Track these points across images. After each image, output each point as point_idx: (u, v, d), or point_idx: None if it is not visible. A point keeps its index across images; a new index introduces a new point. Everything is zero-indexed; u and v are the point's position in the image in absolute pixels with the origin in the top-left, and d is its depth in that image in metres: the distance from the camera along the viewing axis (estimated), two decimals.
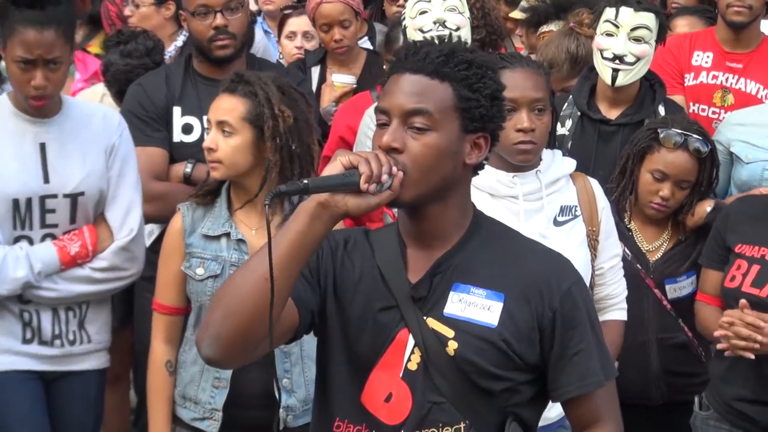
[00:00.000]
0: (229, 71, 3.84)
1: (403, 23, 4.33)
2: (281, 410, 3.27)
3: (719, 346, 3.35)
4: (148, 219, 4.06)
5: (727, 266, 3.48)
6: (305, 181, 2.11)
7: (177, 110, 4.05)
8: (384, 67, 4.47)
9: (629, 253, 3.82)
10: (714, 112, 4.76)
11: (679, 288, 3.82)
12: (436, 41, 2.29)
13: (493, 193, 3.28)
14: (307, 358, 3.28)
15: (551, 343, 2.29)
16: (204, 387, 3.32)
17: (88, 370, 3.69)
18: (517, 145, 3.21)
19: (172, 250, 3.37)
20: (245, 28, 4.11)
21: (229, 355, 2.19)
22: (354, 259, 2.32)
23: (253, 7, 6.06)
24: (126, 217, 3.63)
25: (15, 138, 3.52)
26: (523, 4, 5.58)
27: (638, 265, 3.83)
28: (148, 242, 4.17)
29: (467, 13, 4.32)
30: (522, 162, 3.26)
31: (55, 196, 3.53)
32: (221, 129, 3.28)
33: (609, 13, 4.18)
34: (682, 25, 5.23)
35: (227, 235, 3.31)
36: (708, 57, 4.82)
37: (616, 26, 4.16)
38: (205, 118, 3.78)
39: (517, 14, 5.63)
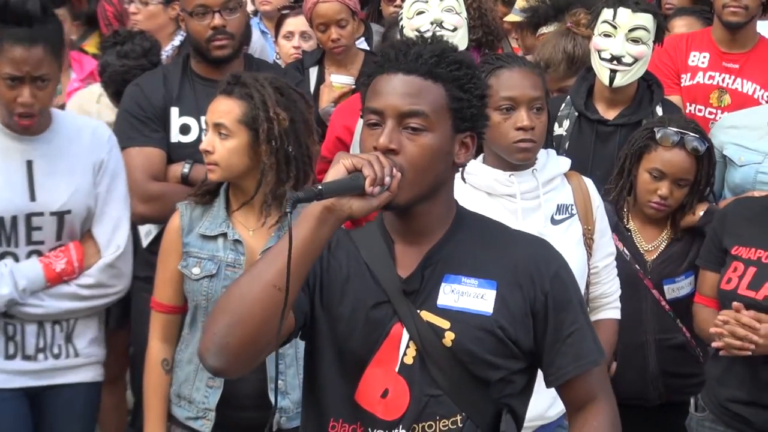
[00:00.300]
0: (227, 72, 3.84)
1: (400, 23, 4.33)
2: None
3: (714, 344, 3.34)
4: (145, 219, 4.07)
5: (723, 268, 3.48)
6: (319, 187, 2.11)
7: (174, 111, 4.04)
8: None
9: (628, 254, 3.83)
10: (710, 113, 4.77)
11: (677, 288, 3.83)
12: (419, 41, 2.30)
13: (491, 192, 3.29)
14: (301, 359, 3.28)
15: (545, 326, 2.31)
16: (198, 386, 3.32)
17: (76, 383, 3.63)
18: (518, 143, 3.22)
19: (171, 249, 3.37)
20: (243, 28, 4.11)
21: (235, 365, 2.18)
22: (339, 259, 2.32)
23: (249, 7, 6.05)
24: (113, 234, 3.60)
25: (1, 155, 3.48)
26: (518, 6, 5.58)
27: (636, 266, 3.83)
28: (145, 243, 4.18)
29: (464, 14, 4.32)
30: (521, 160, 3.26)
31: (41, 213, 3.50)
32: (218, 131, 3.28)
33: (607, 14, 4.18)
34: (680, 26, 5.24)
35: (224, 235, 3.31)
36: (704, 57, 4.83)
37: (614, 27, 4.16)
38: (203, 118, 3.79)
39: (512, 17, 5.63)
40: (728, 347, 3.30)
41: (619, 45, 4.13)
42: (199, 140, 3.91)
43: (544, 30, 5.09)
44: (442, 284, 2.29)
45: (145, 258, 4.09)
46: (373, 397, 2.28)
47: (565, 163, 3.45)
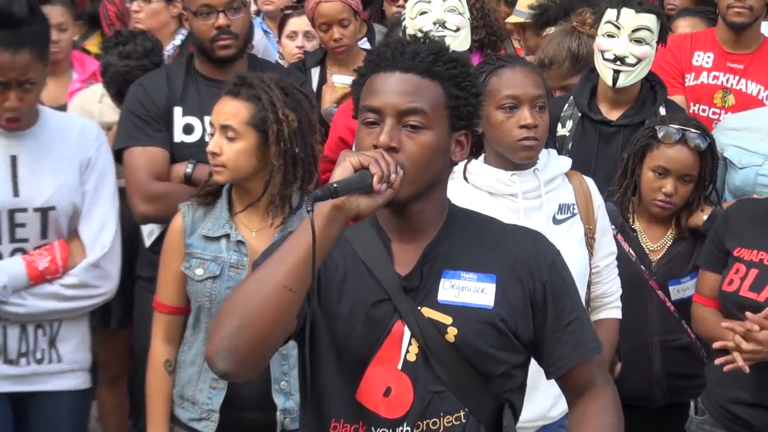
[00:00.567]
0: (230, 71, 3.83)
1: (403, 24, 4.33)
2: (279, 413, 3.27)
3: (717, 360, 3.32)
4: (148, 219, 4.07)
5: (725, 270, 3.47)
6: (335, 185, 2.10)
7: (178, 110, 4.03)
8: None
9: (633, 254, 3.82)
10: (714, 113, 4.76)
11: (682, 289, 3.82)
12: (414, 40, 2.31)
13: (493, 191, 3.29)
14: None
15: (544, 316, 2.33)
16: (202, 388, 3.31)
17: (60, 390, 3.56)
18: (521, 141, 3.22)
19: (173, 250, 3.37)
20: (248, 28, 4.10)
21: (244, 368, 2.16)
22: (336, 258, 2.31)
23: (252, 7, 6.05)
24: (99, 233, 3.55)
25: None
26: (521, 8, 5.57)
27: (642, 267, 3.82)
28: (148, 242, 4.18)
29: (467, 14, 4.31)
30: (525, 159, 3.26)
31: (24, 209, 3.44)
32: (225, 133, 3.27)
33: (610, 14, 4.18)
34: (684, 26, 5.24)
35: (227, 236, 3.31)
36: (709, 57, 4.83)
37: (618, 27, 4.16)
38: (206, 118, 3.79)
39: (514, 18, 5.63)
40: (735, 360, 3.27)
41: (622, 45, 4.13)
42: (202, 140, 3.91)
43: (550, 29, 5.08)
44: (442, 280, 2.30)
45: (147, 258, 4.10)
46: (375, 396, 2.28)
47: (566, 162, 3.45)
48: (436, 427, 2.28)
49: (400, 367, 2.27)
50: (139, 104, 4.03)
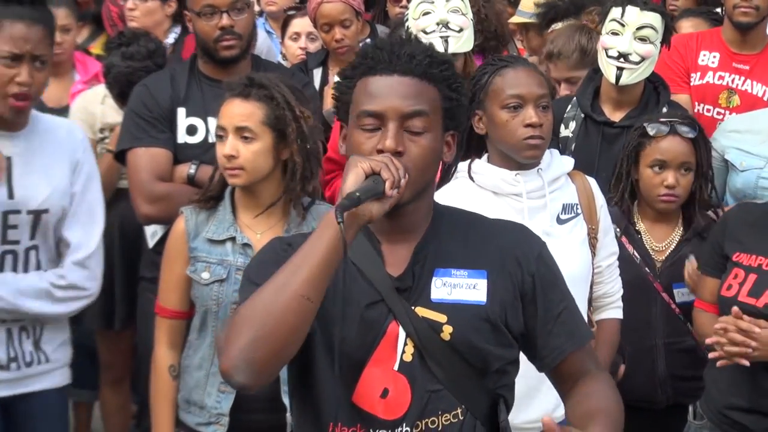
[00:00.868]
0: (234, 72, 3.85)
1: (406, 24, 4.33)
2: (288, 415, 3.26)
3: (711, 354, 3.31)
4: (151, 220, 4.06)
5: (724, 274, 3.45)
6: (358, 194, 2.11)
7: (181, 111, 4.02)
8: None
9: (638, 256, 3.81)
10: (719, 113, 4.76)
11: (687, 293, 3.79)
12: (401, 41, 2.30)
13: (497, 191, 3.28)
14: None
15: (534, 307, 2.34)
16: (210, 392, 3.30)
17: (47, 389, 3.54)
18: (527, 140, 3.22)
19: (176, 254, 3.35)
20: (251, 28, 4.09)
21: (262, 378, 2.15)
22: None
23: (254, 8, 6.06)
24: (86, 235, 3.52)
25: None
26: (524, 8, 5.57)
27: (646, 269, 3.82)
28: (151, 243, 4.18)
29: (470, 15, 4.31)
30: (530, 158, 3.26)
31: (18, 211, 3.41)
32: (240, 135, 3.25)
33: (615, 12, 4.18)
34: (687, 27, 5.23)
35: (232, 239, 3.29)
36: (714, 57, 4.82)
37: (622, 25, 4.16)
38: (210, 119, 3.78)
39: (516, 19, 5.63)
40: (727, 354, 3.27)
41: (626, 43, 4.13)
42: (205, 141, 3.91)
43: (556, 25, 5.08)
44: (434, 278, 2.30)
45: (151, 258, 4.09)
46: (372, 398, 2.27)
47: (569, 162, 3.45)
48: (435, 425, 2.28)
49: (396, 367, 2.27)
50: (143, 105, 4.02)
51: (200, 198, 3.38)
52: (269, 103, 3.25)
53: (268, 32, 6.35)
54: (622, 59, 4.13)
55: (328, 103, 4.75)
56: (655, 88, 4.31)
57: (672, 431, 3.85)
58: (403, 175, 2.16)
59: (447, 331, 2.27)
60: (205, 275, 3.29)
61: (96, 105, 4.86)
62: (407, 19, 4.33)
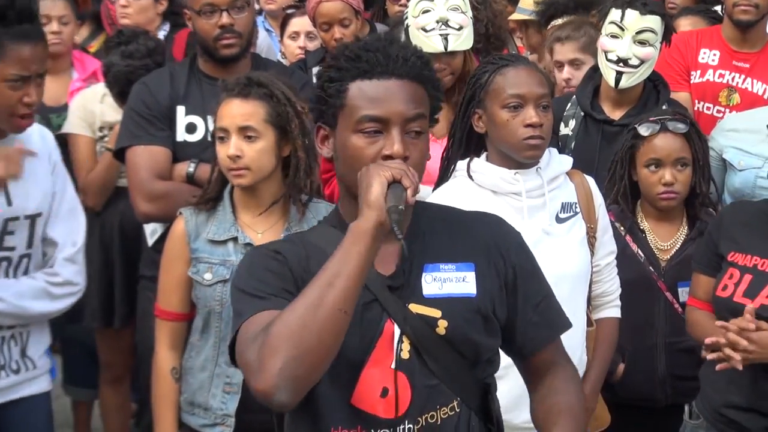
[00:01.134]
0: (234, 71, 3.84)
1: (406, 22, 4.32)
2: None
3: (710, 356, 3.29)
4: (150, 218, 4.06)
5: (719, 274, 3.44)
6: (401, 207, 2.13)
7: (181, 109, 4.01)
8: None
9: (642, 256, 3.81)
10: (719, 111, 4.74)
11: None
12: (386, 42, 2.30)
13: (496, 190, 3.28)
14: None
15: (515, 297, 2.38)
16: (215, 393, 3.29)
17: (33, 395, 3.53)
18: (527, 140, 3.21)
19: (176, 255, 3.34)
20: (251, 27, 4.09)
21: (301, 395, 2.13)
22: (313, 268, 2.26)
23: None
24: (71, 231, 3.52)
25: None
26: (524, 5, 5.56)
27: (650, 268, 3.81)
28: (150, 241, 4.17)
29: (470, 13, 4.30)
30: (530, 158, 3.26)
31: (17, 218, 3.41)
32: (244, 135, 3.24)
33: (614, 14, 4.16)
34: (685, 25, 5.22)
35: (234, 239, 3.29)
36: (715, 55, 4.82)
37: (622, 29, 4.14)
38: (209, 117, 3.77)
39: (516, 16, 5.62)
40: (728, 357, 3.26)
41: (625, 47, 4.12)
42: (205, 139, 3.90)
43: (556, 22, 5.08)
44: (423, 274, 2.31)
45: (150, 257, 4.08)
46: (372, 398, 2.27)
47: (568, 161, 3.45)
48: (434, 420, 2.29)
49: (394, 366, 2.28)
50: (142, 103, 4.02)
51: (199, 201, 3.36)
52: (269, 100, 3.25)
53: (267, 30, 6.35)
54: (621, 64, 4.13)
55: None
56: (655, 86, 4.30)
57: (671, 431, 3.85)
58: (417, 180, 2.19)
59: (442, 325, 2.29)
60: (208, 276, 3.28)
61: (95, 103, 4.86)
62: (406, 18, 4.32)
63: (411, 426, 2.27)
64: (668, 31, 4.23)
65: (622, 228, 3.82)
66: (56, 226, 3.50)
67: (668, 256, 3.84)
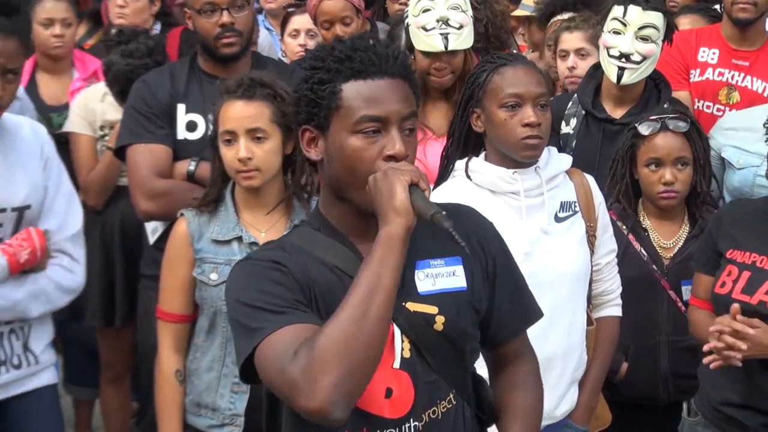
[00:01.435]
0: (234, 69, 3.84)
1: (406, 21, 4.32)
2: None
3: (706, 360, 3.29)
4: (150, 216, 4.05)
5: (718, 272, 3.43)
6: (443, 212, 2.16)
7: (181, 107, 4.01)
8: None
9: (645, 254, 3.80)
10: (719, 109, 4.75)
11: None
12: (366, 42, 2.30)
13: (494, 189, 3.27)
14: None
15: (493, 287, 2.42)
16: (222, 393, 3.28)
17: (38, 388, 3.51)
18: (525, 140, 3.20)
19: (179, 257, 3.32)
20: (251, 25, 4.08)
21: (351, 409, 2.12)
22: (311, 274, 2.26)
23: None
24: (62, 227, 3.48)
25: None
26: (526, 1, 5.56)
27: (654, 266, 3.80)
28: (152, 239, 4.16)
29: (470, 12, 4.30)
30: (528, 158, 3.25)
31: (3, 210, 3.37)
32: (253, 136, 3.24)
33: (617, 11, 4.17)
34: (685, 24, 5.23)
35: (239, 238, 3.28)
36: (714, 53, 4.82)
37: (624, 24, 4.15)
38: (209, 116, 3.77)
39: (519, 12, 5.62)
40: (724, 358, 3.26)
41: (628, 42, 4.12)
42: (205, 137, 3.89)
43: (557, 18, 5.08)
44: (416, 272, 2.32)
45: (151, 256, 4.07)
46: (377, 399, 2.27)
47: (567, 160, 3.44)
48: (435, 415, 2.31)
49: (397, 365, 2.28)
50: (142, 101, 4.01)
51: (201, 203, 3.35)
52: (273, 100, 3.25)
53: (267, 29, 6.35)
54: (623, 59, 4.13)
55: None
56: (656, 85, 4.30)
57: (672, 429, 3.85)
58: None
59: (440, 321, 2.30)
60: (213, 276, 3.27)
61: (96, 102, 4.86)
62: (407, 16, 4.32)
63: (416, 424, 2.28)
64: (670, 29, 4.23)
65: (624, 227, 3.82)
66: (47, 221, 3.47)
67: (671, 255, 3.84)
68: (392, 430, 2.27)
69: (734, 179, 4.17)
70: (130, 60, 4.65)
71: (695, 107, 4.73)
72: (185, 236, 3.31)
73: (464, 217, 2.42)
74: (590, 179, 3.48)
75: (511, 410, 2.44)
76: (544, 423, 3.25)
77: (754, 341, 3.19)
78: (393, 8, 6.00)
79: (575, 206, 3.38)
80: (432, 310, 2.30)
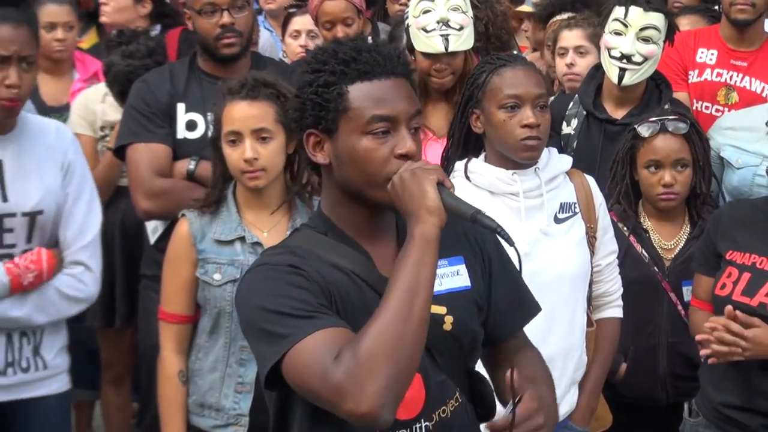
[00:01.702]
0: (234, 70, 3.85)
1: (406, 22, 4.32)
2: None
3: (703, 352, 3.30)
4: (150, 216, 4.05)
5: (718, 273, 3.43)
6: (483, 212, 2.17)
7: (181, 107, 4.01)
8: None
9: (646, 256, 3.80)
10: (718, 110, 4.74)
11: None
12: (374, 43, 2.31)
13: (493, 190, 3.27)
14: None
15: (491, 283, 2.42)
16: (226, 393, 3.28)
17: (46, 395, 3.52)
18: (524, 141, 3.20)
19: (181, 258, 3.32)
20: (251, 26, 4.09)
21: (397, 410, 2.11)
22: (327, 278, 2.25)
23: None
24: (79, 236, 3.49)
25: None
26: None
27: (655, 268, 3.80)
28: (152, 239, 4.16)
29: (470, 12, 4.30)
30: (527, 159, 3.24)
31: (14, 215, 3.38)
32: (258, 137, 3.24)
33: (618, 11, 4.17)
34: (685, 24, 5.21)
35: (241, 238, 3.28)
36: (712, 54, 4.82)
37: (625, 25, 4.15)
38: (209, 115, 3.77)
39: (525, 8, 5.61)
40: (716, 354, 3.27)
41: (629, 43, 4.12)
42: (205, 136, 3.89)
43: (557, 18, 5.08)
44: None
45: (152, 256, 4.08)
46: None
47: (567, 161, 3.44)
48: (445, 414, 2.31)
49: None
50: (142, 100, 4.02)
51: (202, 205, 3.35)
52: (276, 100, 3.25)
53: (267, 30, 6.35)
54: (624, 60, 4.13)
55: None
56: (657, 85, 4.30)
57: (672, 430, 3.84)
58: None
59: (449, 321, 2.31)
60: (217, 276, 3.26)
61: (96, 103, 4.86)
62: (407, 17, 4.32)
63: (427, 424, 2.29)
64: (671, 30, 4.23)
65: (625, 228, 3.82)
66: (65, 227, 3.48)
67: (672, 256, 3.84)
68: (403, 431, 2.26)
69: (733, 179, 4.17)
70: (131, 61, 4.65)
71: (694, 108, 4.72)
72: (187, 237, 3.31)
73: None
74: (591, 180, 3.47)
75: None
76: None
77: (754, 341, 3.19)
78: (393, 9, 6.01)
79: (575, 207, 3.37)
80: (441, 310, 2.29)
